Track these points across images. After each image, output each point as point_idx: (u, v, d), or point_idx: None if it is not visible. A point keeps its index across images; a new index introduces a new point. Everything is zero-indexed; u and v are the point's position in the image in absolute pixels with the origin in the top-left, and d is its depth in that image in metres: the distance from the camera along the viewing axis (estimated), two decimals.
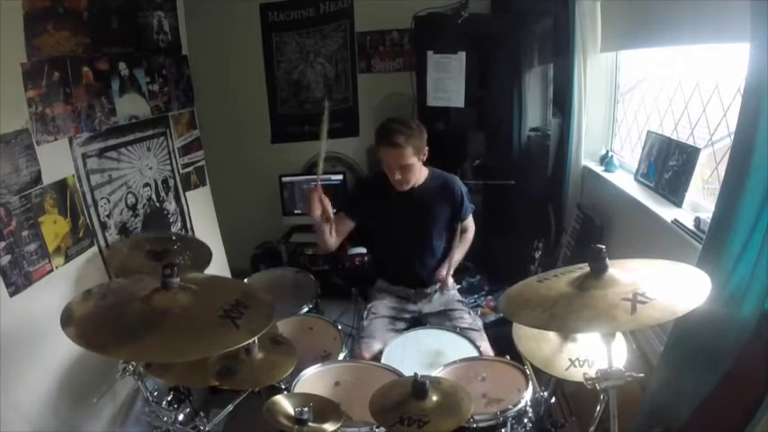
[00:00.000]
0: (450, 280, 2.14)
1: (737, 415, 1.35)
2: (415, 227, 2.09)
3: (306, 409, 1.30)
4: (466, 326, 2.01)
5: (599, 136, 2.88)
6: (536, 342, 1.57)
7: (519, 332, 1.60)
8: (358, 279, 2.29)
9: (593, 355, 1.48)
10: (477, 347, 1.84)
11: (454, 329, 1.96)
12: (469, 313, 2.13)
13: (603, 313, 1.08)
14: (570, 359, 1.50)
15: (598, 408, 1.36)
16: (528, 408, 1.53)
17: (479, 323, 2.11)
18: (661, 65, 2.37)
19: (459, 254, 2.19)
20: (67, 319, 1.23)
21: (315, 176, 1.97)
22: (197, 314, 1.24)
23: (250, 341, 1.35)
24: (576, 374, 1.44)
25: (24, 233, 1.70)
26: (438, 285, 2.15)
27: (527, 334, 1.59)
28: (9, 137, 1.66)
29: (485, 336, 2.00)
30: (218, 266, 2.95)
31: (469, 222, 2.24)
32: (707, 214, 1.69)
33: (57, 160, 1.86)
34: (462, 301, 2.20)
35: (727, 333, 1.35)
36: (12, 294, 1.64)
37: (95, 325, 1.21)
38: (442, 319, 2.10)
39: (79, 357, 1.88)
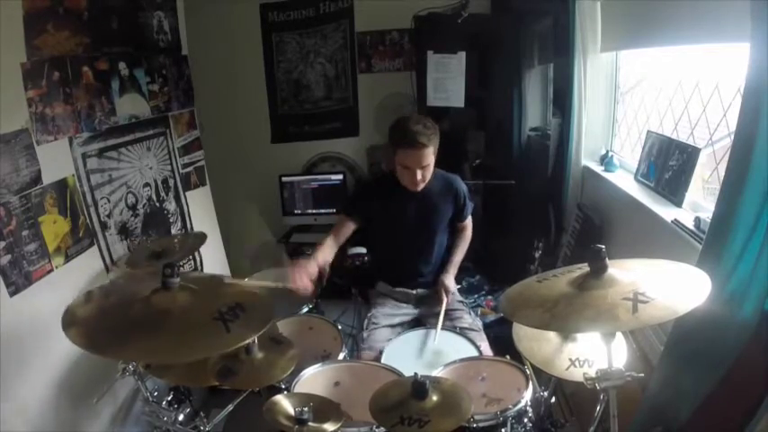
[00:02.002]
0: (453, 283, 2.11)
1: (737, 415, 1.35)
2: (420, 227, 2.09)
3: (306, 409, 1.30)
4: (466, 326, 2.01)
5: (599, 136, 2.88)
6: (536, 342, 1.57)
7: (519, 332, 1.60)
8: (358, 279, 2.28)
9: (593, 355, 1.48)
10: (477, 347, 1.84)
11: (454, 329, 1.96)
12: (470, 314, 2.12)
13: (605, 313, 1.08)
14: (570, 359, 1.50)
15: (598, 408, 1.36)
16: (528, 408, 1.53)
17: (479, 323, 2.11)
18: (661, 65, 2.37)
19: (459, 255, 2.18)
20: (70, 321, 1.22)
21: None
22: (192, 315, 1.23)
23: (238, 346, 1.33)
24: (576, 374, 1.44)
25: (24, 233, 1.70)
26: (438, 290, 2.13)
27: (527, 334, 1.59)
28: (9, 137, 1.66)
29: (484, 336, 2.00)
30: (219, 267, 2.95)
31: (468, 221, 2.25)
32: (707, 214, 1.69)
33: (57, 160, 1.86)
34: (462, 302, 2.20)
35: (727, 333, 1.35)
36: (12, 294, 1.64)
37: (95, 327, 1.21)
38: (443, 319, 2.10)
39: (79, 357, 1.88)
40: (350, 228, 2.07)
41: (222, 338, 1.18)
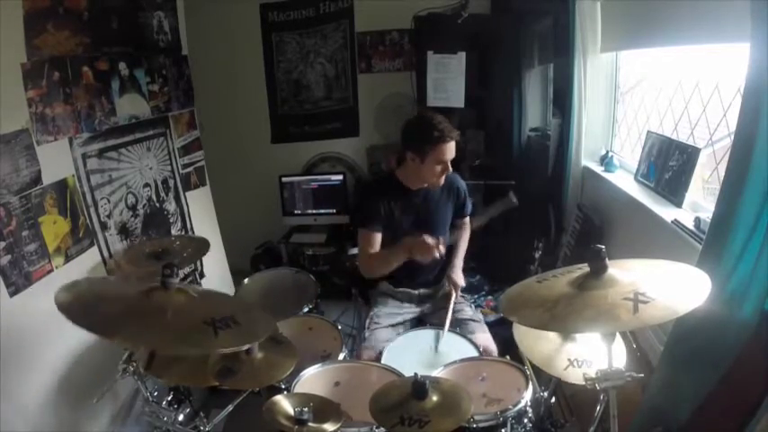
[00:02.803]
0: (461, 278, 2.12)
1: (737, 415, 1.35)
2: (422, 226, 2.08)
3: (306, 409, 1.30)
4: (467, 317, 2.02)
5: (599, 136, 2.88)
6: (536, 342, 1.57)
7: (519, 332, 1.60)
8: (358, 279, 2.28)
9: (592, 355, 1.48)
10: (477, 347, 1.84)
11: (454, 329, 1.96)
12: (470, 306, 2.14)
13: (605, 313, 1.08)
14: (570, 359, 1.50)
15: (598, 408, 1.36)
16: (528, 408, 1.53)
17: (480, 316, 2.12)
18: (661, 65, 2.37)
19: (463, 249, 2.19)
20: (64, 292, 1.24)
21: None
22: (185, 315, 1.24)
23: (222, 351, 1.35)
24: (576, 374, 1.44)
25: (24, 233, 1.70)
26: (446, 287, 2.14)
27: (527, 334, 1.59)
28: (9, 137, 1.66)
29: (485, 328, 2.00)
30: (218, 267, 2.95)
31: (466, 220, 2.26)
32: (707, 214, 1.69)
33: (57, 160, 1.86)
34: (463, 296, 2.20)
35: (727, 333, 1.35)
36: (12, 294, 1.64)
37: (90, 308, 1.22)
38: (444, 314, 2.09)
39: (79, 357, 1.88)
40: (379, 239, 2.08)
41: (209, 341, 1.18)
